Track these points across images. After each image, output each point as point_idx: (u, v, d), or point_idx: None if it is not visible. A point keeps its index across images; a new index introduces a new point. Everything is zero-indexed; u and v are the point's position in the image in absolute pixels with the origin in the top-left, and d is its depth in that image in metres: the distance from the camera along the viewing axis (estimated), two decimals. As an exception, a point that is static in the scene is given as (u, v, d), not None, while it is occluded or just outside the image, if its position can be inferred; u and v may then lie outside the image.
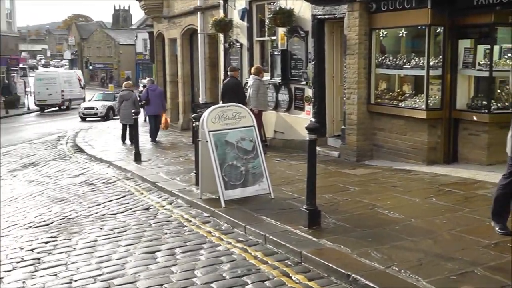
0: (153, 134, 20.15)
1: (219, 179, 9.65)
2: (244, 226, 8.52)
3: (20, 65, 55.15)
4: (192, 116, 12.64)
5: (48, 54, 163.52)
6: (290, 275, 6.74)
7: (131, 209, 10.69)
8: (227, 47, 19.51)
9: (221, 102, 18.65)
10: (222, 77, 20.00)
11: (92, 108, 39.44)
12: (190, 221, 9.44)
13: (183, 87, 25.19)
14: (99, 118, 37.67)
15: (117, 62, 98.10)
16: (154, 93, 20.16)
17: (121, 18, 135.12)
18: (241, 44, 18.71)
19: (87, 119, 38.06)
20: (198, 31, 22.16)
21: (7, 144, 24.19)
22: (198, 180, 10.90)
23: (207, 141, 9.75)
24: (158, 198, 11.39)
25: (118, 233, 9.04)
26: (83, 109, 39.68)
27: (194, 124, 11.64)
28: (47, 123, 36.88)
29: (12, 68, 51.47)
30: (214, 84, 22.12)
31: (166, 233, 8.81)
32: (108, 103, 39.78)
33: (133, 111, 16.73)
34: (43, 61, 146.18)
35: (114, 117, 37.38)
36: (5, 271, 7.63)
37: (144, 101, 20.37)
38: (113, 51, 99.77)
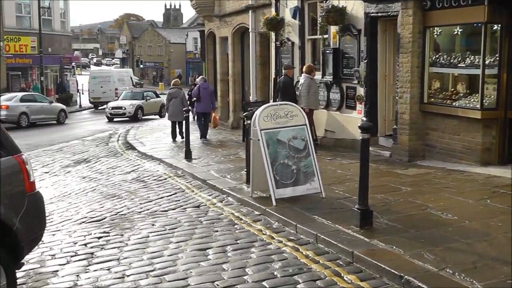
0: (202, 131, 20.33)
1: (270, 178, 9.64)
2: (295, 225, 8.49)
3: (72, 64, 56.14)
4: (244, 114, 12.66)
5: (100, 52, 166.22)
6: (342, 275, 6.70)
7: (182, 206, 10.76)
8: (279, 45, 19.51)
9: (272, 100, 18.74)
10: (273, 75, 20.01)
11: (120, 107, 36.65)
12: (241, 219, 9.46)
13: (233, 85, 25.29)
14: (127, 118, 35.89)
15: (167, 60, 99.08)
16: (206, 91, 20.30)
17: (172, 17, 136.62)
18: (293, 43, 18.67)
19: (115, 119, 36.22)
20: (250, 30, 22.21)
21: (60, 141, 24.61)
22: (249, 178, 10.92)
23: (258, 140, 9.75)
24: (209, 195, 11.44)
25: (169, 229, 9.11)
26: (110, 108, 36.93)
27: (245, 123, 11.65)
28: (98, 120, 37.39)
29: (65, 67, 52.48)
30: (265, 83, 22.14)
31: (217, 231, 8.84)
32: (137, 102, 37.31)
33: (184, 109, 16.88)
34: (95, 60, 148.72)
35: (143, 117, 36.66)
36: (60, 265, 7.77)
37: (195, 98, 20.53)
38: (163, 50, 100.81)
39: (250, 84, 22.73)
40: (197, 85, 21.05)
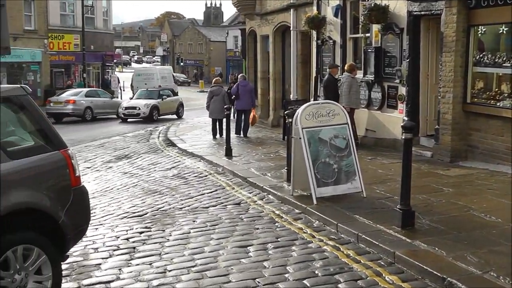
0: (240, 129, 20.45)
1: (311, 176, 9.62)
2: (336, 224, 8.47)
3: (114, 61, 56.95)
4: (285, 112, 12.65)
5: (141, 50, 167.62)
6: (383, 275, 6.66)
7: (222, 203, 10.82)
8: (320, 44, 19.45)
9: (312, 99, 18.69)
10: (314, 74, 19.97)
11: (134, 107, 33.70)
12: (282, 217, 9.47)
13: (274, 83, 25.28)
14: (141, 119, 33.26)
15: (207, 58, 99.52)
16: (245, 89, 20.39)
17: (213, 15, 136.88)
18: (334, 41, 18.59)
19: (128, 120, 33.72)
20: (291, 28, 22.15)
21: (102, 137, 24.90)
22: (289, 177, 10.91)
23: (300, 138, 9.74)
24: (249, 193, 11.47)
25: (210, 226, 9.17)
26: (124, 108, 34.01)
27: (286, 121, 11.65)
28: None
29: (107, 64, 53.21)
30: (305, 81, 22.07)
31: (257, 228, 8.87)
32: (152, 102, 34.20)
33: (225, 106, 16.99)
34: (135, 57, 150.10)
35: (159, 117, 33.92)
36: (102, 258, 7.89)
37: (234, 96, 20.63)
38: (204, 48, 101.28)
39: (291, 82, 22.67)
40: (236, 83, 21.18)
